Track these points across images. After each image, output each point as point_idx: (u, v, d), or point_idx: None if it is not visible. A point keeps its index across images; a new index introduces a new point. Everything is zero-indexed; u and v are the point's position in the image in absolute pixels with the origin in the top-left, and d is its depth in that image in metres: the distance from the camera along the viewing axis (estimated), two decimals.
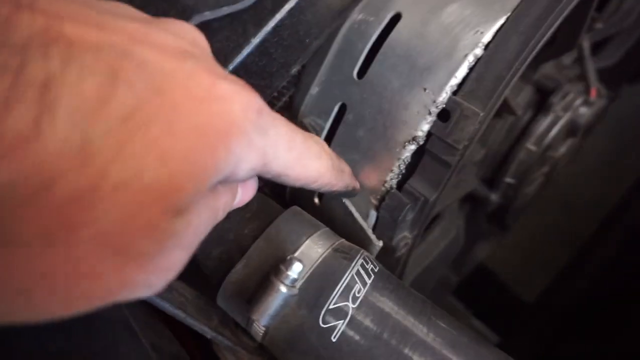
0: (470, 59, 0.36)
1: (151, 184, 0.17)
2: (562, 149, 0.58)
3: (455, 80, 0.37)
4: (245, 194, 0.31)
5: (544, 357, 0.78)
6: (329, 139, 0.43)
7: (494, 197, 0.58)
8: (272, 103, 0.45)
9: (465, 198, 0.62)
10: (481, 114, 0.36)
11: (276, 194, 0.53)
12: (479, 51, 0.36)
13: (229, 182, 0.22)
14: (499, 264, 0.96)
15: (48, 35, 0.16)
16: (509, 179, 0.56)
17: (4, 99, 0.14)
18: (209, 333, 0.33)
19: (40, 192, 0.15)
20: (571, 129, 0.56)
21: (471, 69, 0.37)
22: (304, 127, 0.44)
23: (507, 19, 0.36)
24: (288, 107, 0.47)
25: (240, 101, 0.20)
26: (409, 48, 0.39)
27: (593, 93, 0.54)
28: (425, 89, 0.38)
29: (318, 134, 0.44)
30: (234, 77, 0.21)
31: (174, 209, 0.18)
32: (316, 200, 0.46)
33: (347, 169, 0.35)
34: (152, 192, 0.17)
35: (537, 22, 0.34)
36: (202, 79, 0.19)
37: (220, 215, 0.24)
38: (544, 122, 0.54)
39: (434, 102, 0.37)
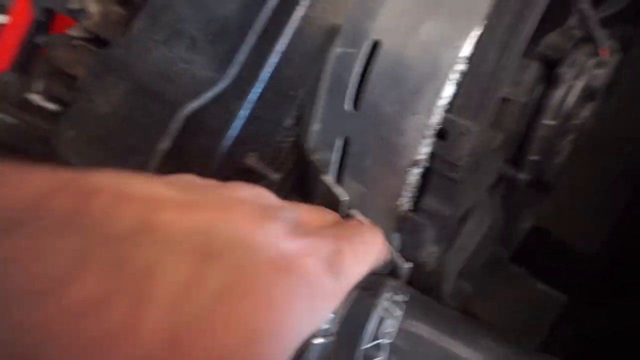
0: (454, 75, 0.36)
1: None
2: (585, 114, 0.56)
3: (442, 101, 0.37)
4: None
5: (614, 309, 0.76)
6: (340, 172, 0.45)
7: (522, 175, 0.57)
8: (279, 147, 0.47)
9: (495, 181, 0.61)
10: (476, 129, 0.36)
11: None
12: (460, 66, 0.36)
13: None
14: (552, 220, 0.93)
15: (145, 225, 0.17)
16: (533, 157, 0.55)
17: (105, 293, 0.15)
18: None
19: None
20: (589, 94, 0.54)
21: (458, 85, 0.37)
22: (313, 164, 0.46)
23: (483, 28, 0.35)
24: (297, 145, 0.49)
25: (313, 258, 0.21)
26: (393, 75, 0.39)
27: (604, 53, 0.51)
28: (416, 113, 0.38)
29: (328, 168, 0.45)
30: (303, 228, 0.24)
31: None
32: None
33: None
34: None
35: (512, 28, 0.34)
36: (279, 240, 0.21)
37: None
38: (556, 95, 0.52)
39: (428, 124, 0.37)
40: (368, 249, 0.32)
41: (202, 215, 0.19)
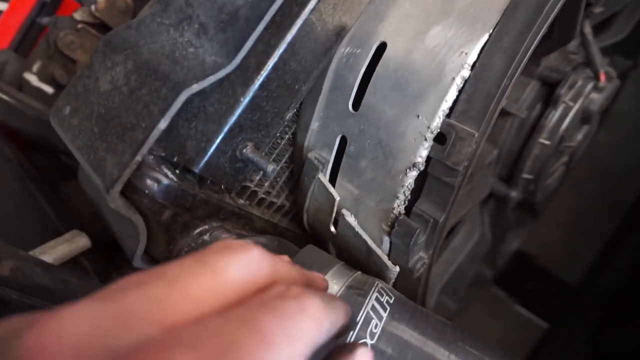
0: (459, 81, 0.37)
1: None
2: (579, 137, 0.57)
3: (446, 105, 0.37)
4: None
5: (595, 340, 0.77)
6: (334, 171, 0.45)
7: (514, 194, 0.57)
8: (275, 142, 0.47)
9: (485, 197, 0.61)
10: (476, 135, 0.36)
11: (295, 224, 0.55)
12: (465, 72, 0.36)
13: None
14: (537, 247, 0.94)
15: None
16: (526, 175, 0.56)
17: None
18: None
19: None
20: (584, 117, 0.55)
21: (460, 91, 0.37)
22: (309, 161, 0.45)
23: (490, 36, 0.36)
24: (293, 143, 0.49)
25: None
26: (397, 78, 0.39)
27: (602, 78, 0.52)
28: (418, 116, 0.38)
29: (324, 167, 0.45)
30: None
31: None
32: (332, 229, 0.47)
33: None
34: None
35: (519, 37, 0.34)
36: None
37: None
38: (554, 115, 0.52)
39: (429, 127, 0.37)
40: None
41: None
